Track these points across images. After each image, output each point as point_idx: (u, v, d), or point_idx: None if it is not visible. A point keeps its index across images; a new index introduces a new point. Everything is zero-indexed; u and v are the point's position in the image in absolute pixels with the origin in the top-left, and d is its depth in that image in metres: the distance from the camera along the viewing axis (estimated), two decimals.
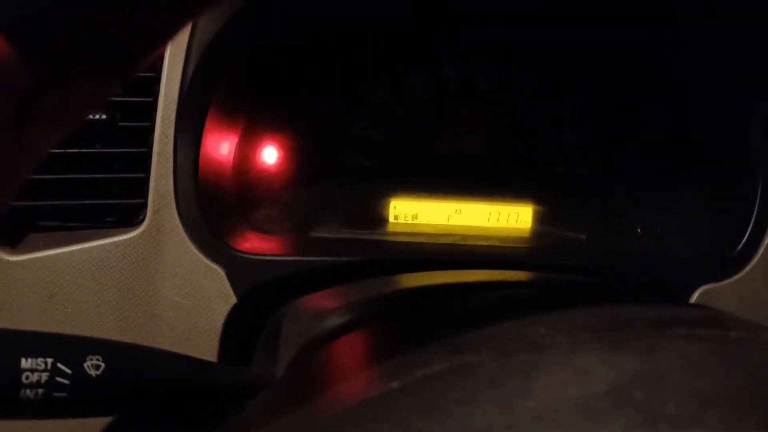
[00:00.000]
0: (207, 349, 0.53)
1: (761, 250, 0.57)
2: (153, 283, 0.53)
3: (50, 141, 0.18)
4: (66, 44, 0.16)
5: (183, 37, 0.53)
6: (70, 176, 0.54)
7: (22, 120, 0.16)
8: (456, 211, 0.68)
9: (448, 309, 0.36)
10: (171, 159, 0.53)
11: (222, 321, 0.53)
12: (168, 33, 0.17)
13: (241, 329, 0.54)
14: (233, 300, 0.53)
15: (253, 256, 0.54)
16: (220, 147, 0.59)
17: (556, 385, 0.21)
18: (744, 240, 0.58)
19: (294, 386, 0.31)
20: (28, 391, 0.33)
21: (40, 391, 0.33)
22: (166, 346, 0.52)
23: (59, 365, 0.34)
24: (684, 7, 0.60)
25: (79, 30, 0.16)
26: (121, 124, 0.54)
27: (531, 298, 0.39)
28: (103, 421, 0.38)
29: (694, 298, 0.56)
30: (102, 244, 0.52)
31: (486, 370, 0.22)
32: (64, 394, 0.33)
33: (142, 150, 0.54)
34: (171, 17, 0.17)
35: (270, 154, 0.66)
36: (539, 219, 0.67)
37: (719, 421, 0.18)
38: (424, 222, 0.68)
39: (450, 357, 0.24)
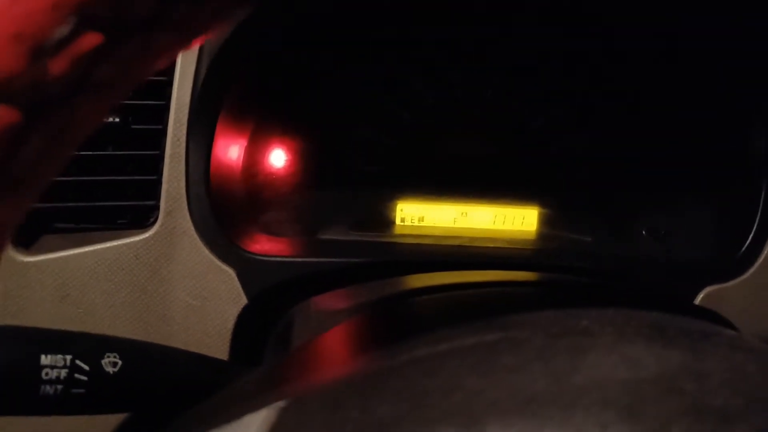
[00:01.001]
0: (218, 349, 0.54)
1: (765, 252, 0.58)
2: (165, 284, 0.53)
3: (171, 52, 0.19)
4: None
5: None
6: (84, 178, 0.54)
7: (156, 24, 0.17)
8: (462, 213, 0.68)
9: (476, 300, 0.36)
10: (183, 162, 0.54)
11: (233, 321, 0.54)
12: None
13: (252, 329, 0.54)
14: (244, 301, 0.54)
15: (263, 258, 0.55)
16: (230, 150, 0.60)
17: (604, 366, 0.21)
18: (748, 242, 0.58)
19: (328, 347, 0.32)
20: (47, 387, 0.33)
21: (59, 387, 0.34)
22: (178, 345, 0.52)
23: (78, 362, 0.34)
24: (686, 10, 0.61)
25: None
26: (133, 127, 0.54)
27: (558, 296, 0.39)
28: (118, 417, 0.39)
29: (698, 300, 0.57)
30: (115, 246, 0.53)
31: (534, 345, 0.23)
32: (82, 391, 0.34)
33: (154, 153, 0.54)
34: None
35: (278, 158, 0.67)
36: (544, 221, 0.68)
37: (765, 420, 0.18)
38: (431, 224, 0.68)
39: (496, 331, 0.24)
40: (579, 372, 0.21)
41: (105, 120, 0.19)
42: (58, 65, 0.16)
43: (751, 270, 0.57)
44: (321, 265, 0.56)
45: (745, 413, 0.19)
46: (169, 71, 0.53)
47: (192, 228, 0.54)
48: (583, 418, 0.19)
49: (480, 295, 0.37)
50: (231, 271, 0.54)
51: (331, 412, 0.21)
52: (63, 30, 0.16)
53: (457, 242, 0.64)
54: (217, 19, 0.19)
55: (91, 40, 0.16)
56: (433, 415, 0.20)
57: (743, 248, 0.58)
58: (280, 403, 0.22)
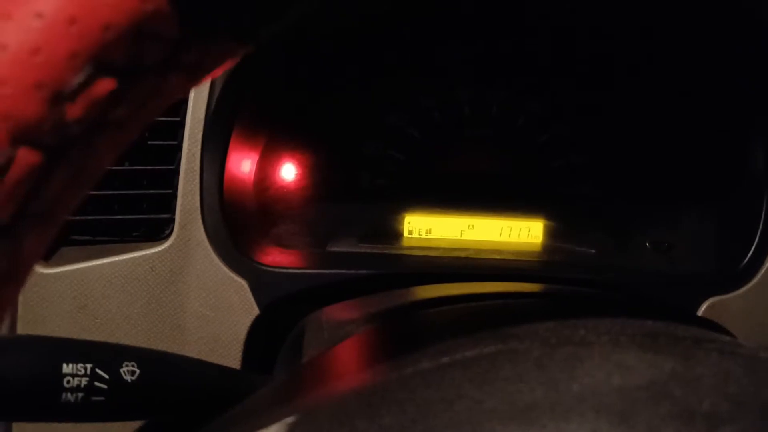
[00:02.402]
0: (231, 358, 0.55)
1: (767, 263, 0.58)
2: (179, 295, 0.55)
3: (181, 91, 0.20)
4: (213, 2, 0.18)
5: None
6: (101, 192, 0.56)
7: (167, 67, 0.19)
8: (469, 226, 0.69)
9: (478, 312, 0.37)
10: (197, 176, 0.55)
11: (245, 331, 0.55)
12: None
13: (264, 339, 0.56)
14: (256, 311, 0.55)
15: (275, 269, 0.57)
16: (243, 164, 0.62)
17: (599, 374, 0.22)
18: (750, 253, 0.59)
19: (337, 361, 0.33)
20: (68, 395, 0.35)
21: (80, 395, 0.35)
22: (192, 355, 0.54)
23: (98, 371, 0.35)
24: (686, 28, 0.62)
25: None
26: (150, 143, 0.56)
27: (559, 307, 0.40)
28: (136, 425, 0.40)
29: (701, 311, 0.58)
30: (131, 258, 0.55)
31: (533, 355, 0.24)
32: (101, 398, 0.35)
33: (169, 167, 0.56)
34: None
35: (289, 172, 0.68)
36: (550, 234, 0.69)
37: (751, 423, 0.19)
38: (438, 237, 0.69)
39: (497, 343, 0.25)
40: (575, 380, 0.22)
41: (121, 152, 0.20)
42: (75, 109, 0.17)
43: (754, 281, 0.58)
44: (331, 276, 0.58)
45: (731, 416, 0.20)
46: None
47: (206, 240, 0.55)
48: (578, 424, 0.20)
49: (482, 307, 0.38)
50: (243, 283, 0.55)
51: (339, 424, 0.22)
52: (80, 77, 0.17)
53: (463, 254, 0.65)
54: (226, 59, 0.21)
55: (106, 85, 0.17)
56: (436, 424, 0.21)
57: (745, 260, 0.59)
58: (290, 418, 0.24)
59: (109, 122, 0.18)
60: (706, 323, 0.50)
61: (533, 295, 0.48)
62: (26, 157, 0.17)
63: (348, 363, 0.32)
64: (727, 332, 0.53)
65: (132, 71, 0.18)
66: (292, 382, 0.32)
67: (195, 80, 0.20)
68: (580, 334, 0.26)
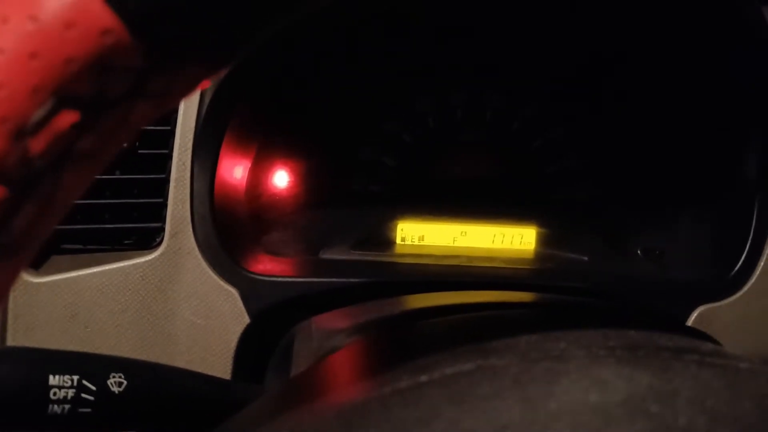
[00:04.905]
0: (221, 368, 0.55)
1: (758, 272, 0.58)
2: (170, 304, 0.55)
3: (148, 119, 0.20)
4: (180, 32, 0.18)
5: None
6: (92, 201, 0.56)
7: (133, 96, 0.19)
8: (461, 233, 0.69)
9: (463, 324, 0.38)
10: (188, 185, 0.55)
11: (236, 340, 0.55)
12: (269, 23, 0.20)
13: (254, 348, 0.56)
14: (246, 320, 0.55)
15: (265, 278, 0.57)
16: (234, 172, 0.62)
17: (576, 390, 0.22)
18: (741, 261, 0.59)
19: (320, 378, 0.33)
20: (55, 407, 0.35)
21: (67, 407, 0.35)
22: (183, 364, 0.54)
23: (84, 382, 0.35)
24: (681, 36, 0.62)
25: (192, 20, 0.18)
26: (140, 151, 0.56)
27: (546, 317, 0.40)
28: None
29: (692, 318, 0.58)
30: (121, 267, 0.55)
31: (511, 372, 0.24)
32: (88, 410, 0.35)
33: (160, 176, 0.56)
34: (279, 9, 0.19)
35: (281, 179, 0.68)
36: (542, 241, 0.69)
37: None
38: (431, 243, 0.69)
39: (477, 359, 0.25)
40: (552, 398, 0.22)
41: (92, 182, 0.20)
42: (39, 143, 0.17)
43: (744, 289, 0.58)
44: (322, 285, 0.58)
45: (707, 429, 0.20)
46: None
47: (196, 249, 0.55)
48: None
49: (468, 319, 0.38)
50: (234, 291, 0.55)
51: None
52: (42, 111, 0.17)
53: (456, 261, 0.65)
54: (194, 84, 0.20)
55: (69, 117, 0.17)
56: None
57: (736, 268, 0.59)
58: None
59: (76, 154, 0.18)
60: (693, 333, 0.50)
61: (521, 305, 0.48)
62: None
63: (332, 380, 0.32)
64: (713, 341, 0.53)
65: (96, 103, 0.18)
66: (277, 399, 0.32)
67: (164, 107, 0.20)
68: (560, 348, 0.26)
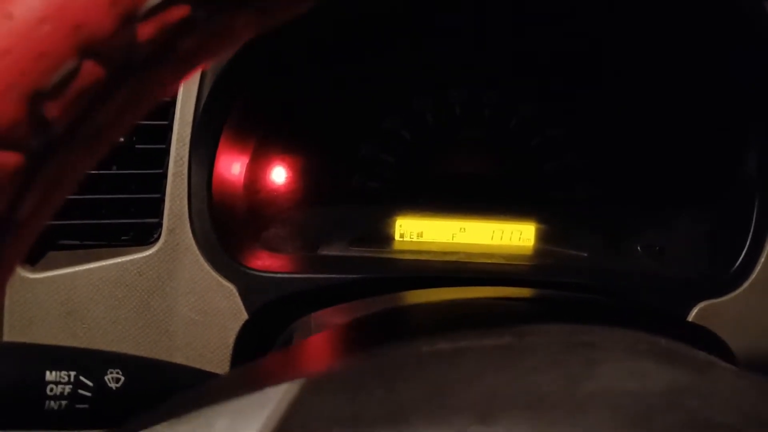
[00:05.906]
0: (219, 364, 0.55)
1: (758, 268, 0.58)
2: (167, 300, 0.55)
3: (173, 85, 0.20)
4: None
5: None
6: (89, 197, 0.56)
7: (164, 58, 0.18)
8: (460, 229, 0.69)
9: (473, 313, 0.37)
10: (185, 180, 0.55)
11: (234, 337, 0.55)
12: None
13: (252, 344, 0.55)
14: (245, 316, 0.55)
15: (263, 274, 0.56)
16: (232, 167, 0.61)
17: (616, 376, 0.22)
18: (741, 258, 0.59)
19: (349, 334, 0.32)
20: (52, 403, 0.34)
21: (64, 402, 0.35)
22: (180, 360, 0.54)
23: (82, 378, 0.35)
24: (679, 34, 0.62)
25: None
26: (137, 146, 0.56)
27: (563, 311, 0.40)
28: None
29: (692, 315, 0.58)
30: (119, 262, 0.54)
31: (551, 350, 0.24)
32: (86, 406, 0.35)
33: (157, 171, 0.56)
34: None
35: (279, 174, 0.68)
36: (541, 237, 0.69)
37: None
38: (430, 240, 0.69)
39: (514, 336, 0.25)
40: (592, 379, 0.22)
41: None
42: (55, 109, 0.17)
43: (744, 285, 0.58)
44: (320, 280, 0.57)
45: (742, 428, 0.20)
46: None
47: (194, 245, 0.55)
48: (593, 418, 0.20)
49: (485, 305, 0.38)
50: (232, 287, 0.55)
51: (354, 390, 0.22)
52: (58, 75, 0.16)
53: (455, 257, 0.65)
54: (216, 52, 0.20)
55: (94, 74, 0.17)
56: (453, 403, 0.21)
57: (736, 265, 0.59)
58: (302, 380, 0.23)
59: (91, 127, 0.18)
60: (699, 329, 0.50)
61: (524, 300, 0.48)
62: (7, 161, 0.16)
63: (362, 337, 0.31)
64: (718, 337, 0.53)
65: (121, 65, 0.17)
66: (304, 348, 0.32)
67: (217, 51, 0.20)
68: (593, 340, 0.26)
